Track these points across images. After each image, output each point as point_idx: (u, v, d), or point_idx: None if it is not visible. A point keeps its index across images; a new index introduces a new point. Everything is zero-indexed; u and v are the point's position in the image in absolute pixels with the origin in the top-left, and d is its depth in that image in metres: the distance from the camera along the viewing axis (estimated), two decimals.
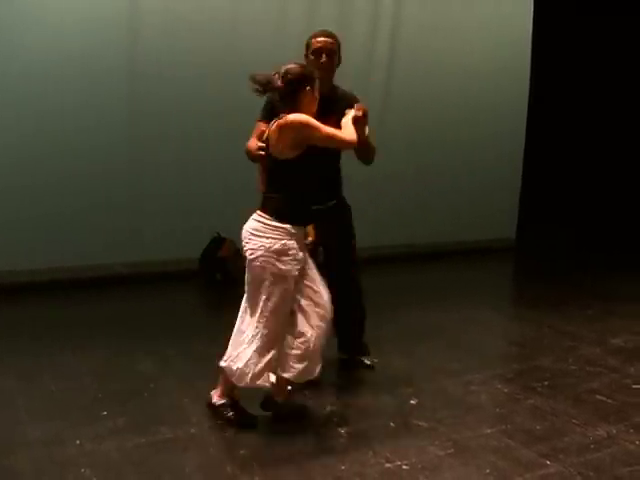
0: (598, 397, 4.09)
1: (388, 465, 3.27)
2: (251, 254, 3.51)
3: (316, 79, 3.59)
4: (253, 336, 3.53)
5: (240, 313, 3.65)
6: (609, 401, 4.04)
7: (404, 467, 3.25)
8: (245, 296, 3.63)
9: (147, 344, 4.86)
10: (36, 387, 4.09)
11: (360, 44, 7.42)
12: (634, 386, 4.28)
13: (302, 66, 3.61)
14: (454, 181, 8.17)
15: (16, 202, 6.12)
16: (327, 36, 4.09)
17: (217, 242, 6.64)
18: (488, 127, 8.27)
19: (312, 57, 4.04)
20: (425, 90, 7.86)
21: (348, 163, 4.28)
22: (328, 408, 3.88)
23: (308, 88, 3.52)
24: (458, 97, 8.01)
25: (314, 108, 3.59)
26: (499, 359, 5.02)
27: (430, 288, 6.77)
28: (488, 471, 3.23)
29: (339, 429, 3.63)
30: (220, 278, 6.57)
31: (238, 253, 4.05)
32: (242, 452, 3.38)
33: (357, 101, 4.01)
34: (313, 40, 4.09)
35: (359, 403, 3.99)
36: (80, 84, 6.19)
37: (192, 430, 3.59)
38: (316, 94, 3.59)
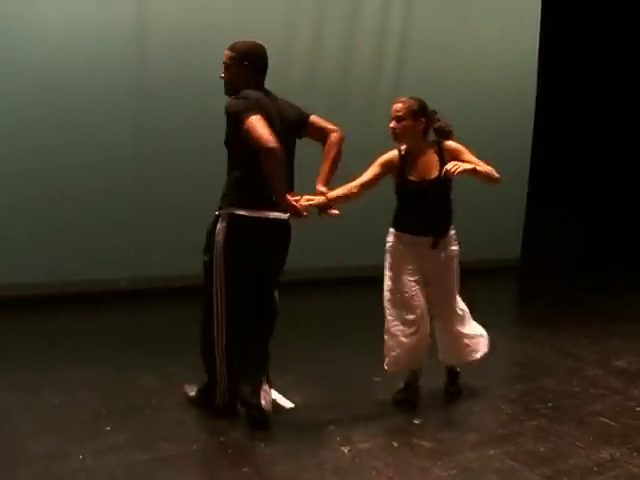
0: (601, 419, 4.08)
1: None
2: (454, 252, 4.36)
3: None
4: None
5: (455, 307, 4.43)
6: (612, 423, 4.03)
7: None
8: (450, 289, 4.41)
9: (150, 359, 4.85)
10: (38, 401, 4.08)
11: (367, 63, 7.42)
12: (637, 408, 4.27)
13: None
14: (458, 200, 8.14)
15: (20, 216, 6.09)
16: (226, 49, 4.00)
17: None
18: (494, 146, 8.23)
19: None
20: (433, 107, 7.85)
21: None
22: (331, 427, 3.86)
23: None
24: (464, 116, 7.95)
25: None
26: (502, 380, 5.01)
27: None
28: None
29: (342, 448, 3.61)
30: None
31: None
32: (245, 469, 3.36)
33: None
34: None
35: (362, 422, 3.97)
36: (88, 99, 6.18)
37: (194, 446, 3.58)
38: None
